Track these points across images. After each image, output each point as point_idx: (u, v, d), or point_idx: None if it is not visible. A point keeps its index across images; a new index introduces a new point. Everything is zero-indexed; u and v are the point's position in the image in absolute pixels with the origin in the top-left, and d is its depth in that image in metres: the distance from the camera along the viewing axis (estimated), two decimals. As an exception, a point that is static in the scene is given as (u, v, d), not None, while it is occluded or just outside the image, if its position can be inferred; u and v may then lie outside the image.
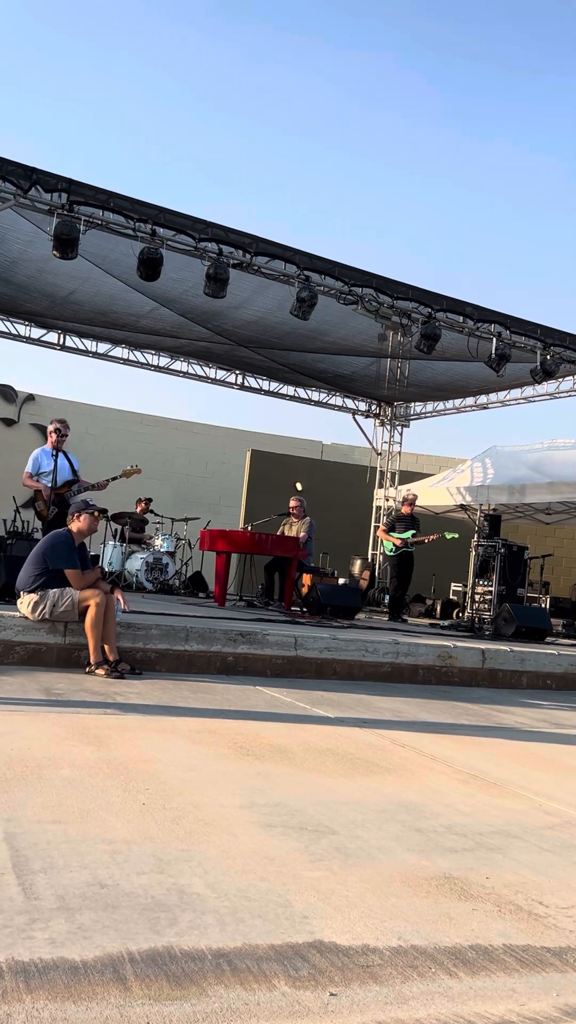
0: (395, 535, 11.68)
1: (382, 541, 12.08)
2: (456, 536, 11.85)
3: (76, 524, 6.31)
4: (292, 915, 2.26)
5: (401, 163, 52.80)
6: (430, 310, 10.24)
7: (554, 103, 51.68)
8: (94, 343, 14.53)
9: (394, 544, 11.66)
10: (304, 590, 10.96)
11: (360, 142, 51.56)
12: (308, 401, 16.48)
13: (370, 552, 16.31)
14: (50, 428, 8.64)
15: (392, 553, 11.76)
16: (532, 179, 53.09)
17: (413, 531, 11.66)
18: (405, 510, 11.94)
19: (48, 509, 8.36)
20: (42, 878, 2.33)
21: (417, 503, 15.17)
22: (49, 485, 8.42)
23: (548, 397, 13.81)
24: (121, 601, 6.24)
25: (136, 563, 11.86)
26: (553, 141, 52.51)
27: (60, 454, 8.51)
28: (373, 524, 16.58)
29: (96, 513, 6.40)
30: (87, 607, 5.97)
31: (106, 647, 5.98)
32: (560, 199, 54.03)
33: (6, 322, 13.85)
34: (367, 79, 48.97)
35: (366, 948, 2.12)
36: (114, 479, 8.78)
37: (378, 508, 16.54)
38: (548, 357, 11.11)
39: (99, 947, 1.97)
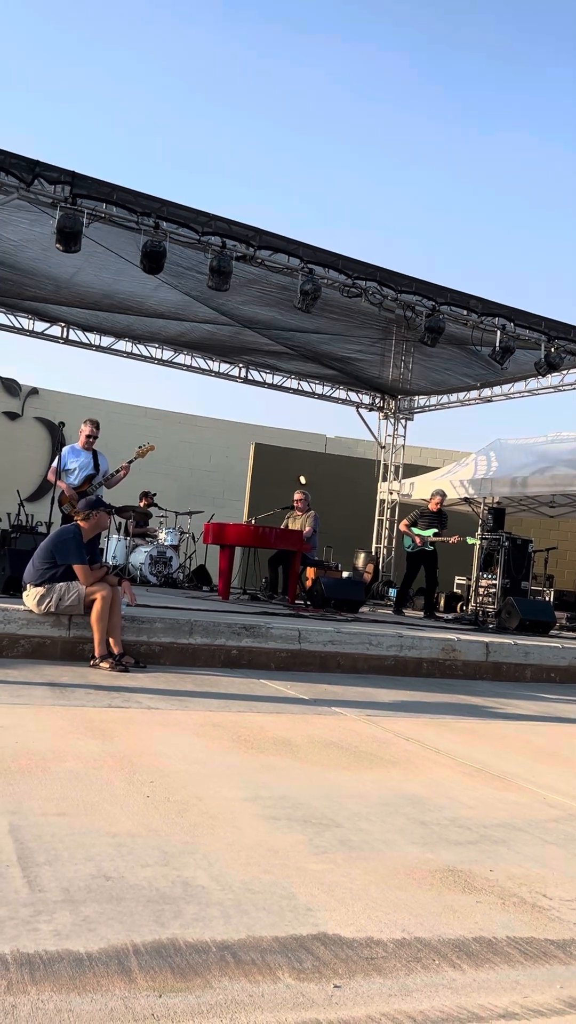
0: (416, 531, 11.55)
1: (403, 535, 11.90)
2: (476, 543, 11.78)
3: (87, 523, 6.32)
4: (296, 908, 2.27)
5: (403, 158, 52.67)
6: (434, 303, 10.21)
7: (558, 95, 51.49)
8: (97, 336, 14.51)
9: (413, 541, 11.55)
10: (308, 584, 10.97)
11: (361, 136, 51.44)
12: (312, 394, 16.44)
13: (374, 545, 16.31)
14: (82, 429, 8.99)
15: (410, 549, 11.63)
16: (537, 172, 52.92)
17: (435, 530, 11.50)
18: (432, 506, 11.77)
19: (74, 508, 8.53)
20: (47, 870, 2.34)
21: (419, 496, 15.16)
22: (71, 484, 8.64)
23: (552, 390, 13.78)
24: (128, 596, 6.24)
25: (140, 557, 11.89)
26: (557, 133, 52.34)
27: (87, 453, 8.78)
28: (377, 518, 16.57)
29: (110, 511, 6.50)
30: (93, 600, 5.97)
31: (111, 640, 5.99)
32: (565, 190, 53.85)
33: (9, 316, 13.84)
34: (368, 73, 48.81)
35: (370, 940, 2.13)
36: (131, 461, 8.90)
37: (382, 501, 16.53)
38: (552, 350, 11.08)
39: (104, 939, 1.98)
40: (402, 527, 11.93)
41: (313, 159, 53.72)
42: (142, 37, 47.81)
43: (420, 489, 15.43)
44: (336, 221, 52.95)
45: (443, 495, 12.08)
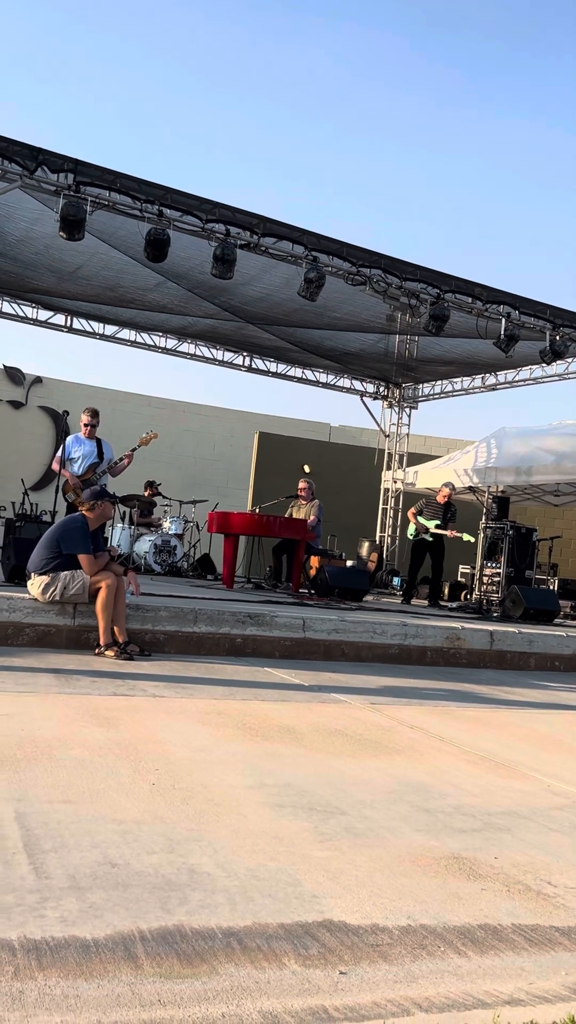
0: (421, 520, 11.54)
1: (409, 523, 11.91)
2: (472, 540, 11.78)
3: (92, 513, 6.32)
4: (302, 894, 2.28)
5: (408, 141, 52.36)
6: (439, 291, 10.17)
7: (563, 79, 51.11)
8: (101, 325, 14.48)
9: (416, 529, 11.55)
10: (312, 572, 10.96)
11: (366, 120, 51.12)
12: (316, 383, 16.41)
13: (378, 534, 16.29)
14: (81, 418, 9.09)
15: (412, 537, 11.65)
16: (539, 157, 52.59)
17: (437, 521, 11.49)
18: (440, 498, 11.73)
19: (79, 497, 8.58)
20: (53, 857, 2.35)
21: (423, 485, 15.14)
22: (75, 472, 8.72)
23: (558, 378, 13.73)
24: (133, 586, 6.25)
25: (145, 545, 11.89)
26: (564, 117, 51.97)
27: (91, 441, 8.86)
28: (381, 507, 16.55)
29: (114, 501, 6.52)
30: (98, 589, 5.98)
31: (115, 629, 6.00)
32: (569, 176, 53.52)
33: (13, 304, 13.81)
34: (372, 55, 48.47)
35: (375, 927, 2.13)
36: (134, 450, 8.94)
37: (386, 490, 16.51)
38: (558, 338, 11.04)
39: (110, 925, 1.98)
40: (409, 514, 11.95)
41: (315, 144, 53.43)
42: (142, 22, 47.53)
43: (424, 478, 15.41)
44: (338, 206, 52.71)
45: (452, 488, 12.02)
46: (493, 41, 50.02)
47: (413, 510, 11.85)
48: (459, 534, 11.33)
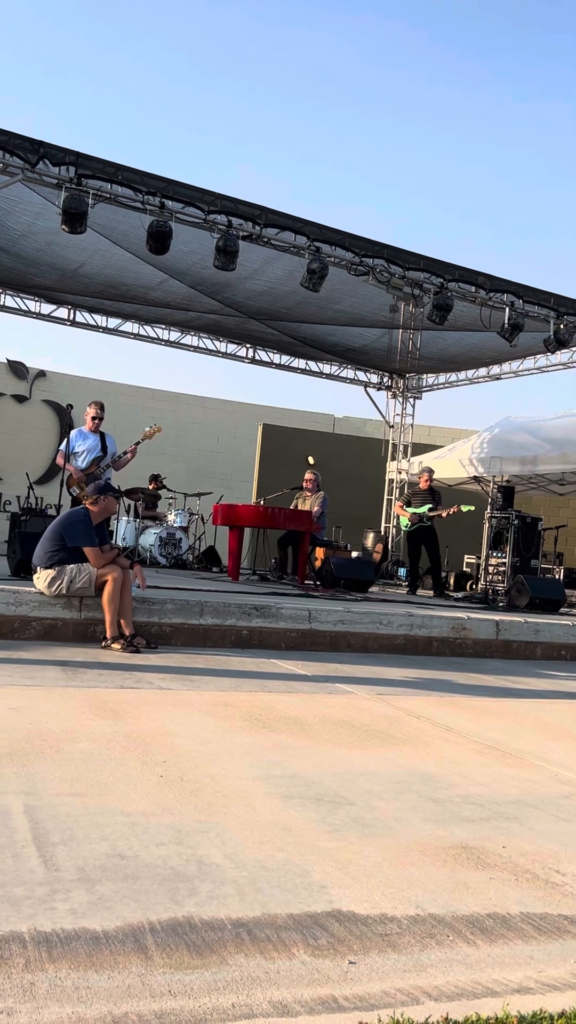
0: (411, 510, 11.53)
1: (399, 516, 11.91)
2: (472, 508, 11.71)
3: (96, 507, 6.32)
4: (310, 885, 2.28)
5: (411, 127, 52.13)
6: (442, 280, 10.14)
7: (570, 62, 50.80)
8: (104, 318, 14.48)
9: (409, 520, 11.54)
10: (317, 564, 10.96)
11: (372, 106, 50.90)
12: (319, 374, 16.39)
13: (383, 525, 16.28)
14: (87, 411, 9.10)
15: (407, 529, 11.63)
16: (551, 144, 52.32)
17: (429, 505, 11.48)
18: (423, 484, 11.75)
19: (83, 491, 8.60)
20: (62, 850, 2.35)
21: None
22: (79, 466, 8.75)
23: (562, 367, 13.69)
24: (139, 580, 6.25)
25: (150, 538, 11.90)
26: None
27: (95, 435, 8.89)
28: (386, 497, 16.54)
29: (118, 495, 6.53)
30: (105, 582, 5.99)
31: (122, 622, 6.01)
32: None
33: (16, 298, 13.80)
34: (372, 39, 48.23)
35: (384, 917, 2.14)
36: (138, 443, 8.96)
37: (391, 481, 16.50)
38: (562, 326, 11.00)
39: (120, 917, 1.99)
40: (397, 509, 11.94)
41: (315, 136, 53.23)
42: (142, 11, 47.35)
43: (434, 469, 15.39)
44: (338, 195, 52.52)
45: (431, 472, 11.99)
46: (497, 21, 49.72)
47: (400, 503, 11.87)
48: (456, 509, 11.22)
